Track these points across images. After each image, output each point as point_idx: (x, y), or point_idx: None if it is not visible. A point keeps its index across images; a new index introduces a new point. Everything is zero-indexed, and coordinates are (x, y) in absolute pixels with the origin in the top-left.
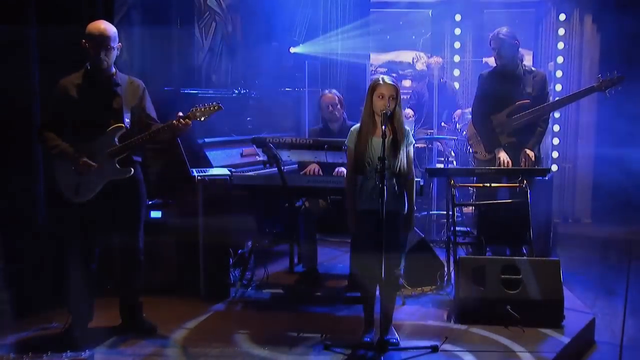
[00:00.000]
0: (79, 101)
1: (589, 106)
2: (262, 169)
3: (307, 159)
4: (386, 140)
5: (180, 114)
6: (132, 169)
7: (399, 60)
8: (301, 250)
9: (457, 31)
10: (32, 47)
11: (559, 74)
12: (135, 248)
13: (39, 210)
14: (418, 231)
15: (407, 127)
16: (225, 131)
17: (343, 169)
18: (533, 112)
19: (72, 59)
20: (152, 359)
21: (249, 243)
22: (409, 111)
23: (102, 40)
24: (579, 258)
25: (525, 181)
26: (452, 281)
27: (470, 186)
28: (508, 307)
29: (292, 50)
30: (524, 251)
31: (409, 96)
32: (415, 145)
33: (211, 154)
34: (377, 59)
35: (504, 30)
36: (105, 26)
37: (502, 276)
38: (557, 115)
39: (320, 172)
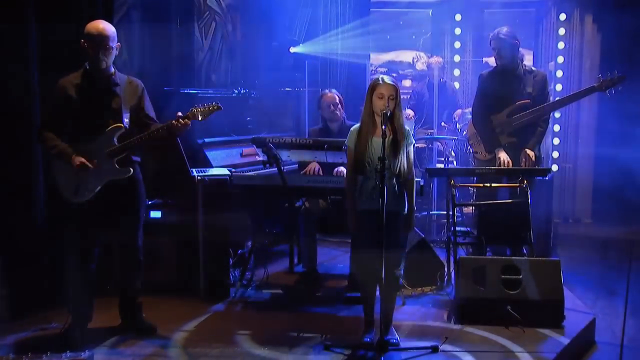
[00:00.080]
0: (78, 101)
1: (589, 106)
2: (262, 169)
3: (307, 159)
4: (386, 140)
5: (180, 113)
6: (131, 169)
7: (399, 60)
8: (301, 250)
9: (458, 31)
10: (31, 46)
11: (559, 73)
12: (134, 248)
13: (39, 210)
14: (418, 231)
15: (407, 127)
16: (225, 131)
17: (343, 169)
18: (533, 112)
19: (72, 58)
20: (152, 359)
21: (249, 243)
22: (409, 112)
23: (101, 40)
24: (579, 258)
25: (525, 181)
26: (453, 281)
27: (471, 186)
28: (508, 307)
29: (292, 50)
30: (524, 251)
31: (409, 96)
32: (416, 145)
33: (211, 154)
34: (377, 58)
35: (504, 30)
36: (104, 26)
37: (503, 276)
38: (557, 115)
39: (321, 172)
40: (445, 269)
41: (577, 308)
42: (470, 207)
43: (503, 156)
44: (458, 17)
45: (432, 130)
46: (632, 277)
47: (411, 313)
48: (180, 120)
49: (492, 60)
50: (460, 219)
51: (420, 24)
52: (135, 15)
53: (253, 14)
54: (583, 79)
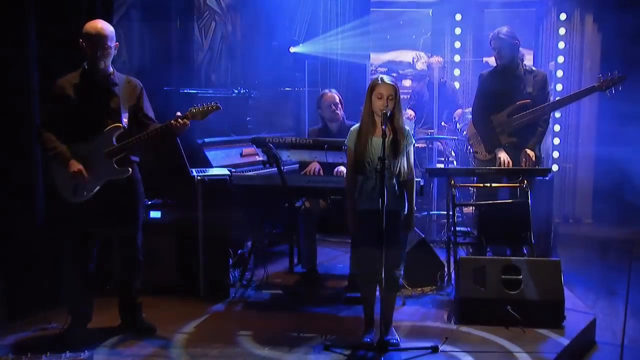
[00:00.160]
0: (76, 101)
1: (589, 106)
2: (262, 169)
3: (307, 159)
4: (386, 140)
5: (179, 113)
6: (130, 169)
7: (399, 60)
8: (301, 250)
9: (458, 31)
10: (31, 46)
11: (559, 73)
12: (134, 248)
13: (39, 211)
14: (418, 231)
15: (407, 127)
16: (224, 131)
17: (343, 169)
18: (533, 112)
19: (72, 58)
20: (152, 359)
21: (249, 243)
22: (410, 112)
23: (99, 39)
24: (580, 258)
25: (525, 181)
26: (453, 281)
27: (471, 186)
28: (508, 307)
29: (292, 49)
30: (525, 251)
31: (408, 96)
32: (416, 145)
33: (211, 154)
34: (377, 58)
35: (504, 29)
36: (102, 25)
37: (503, 276)
38: (557, 115)
39: (322, 172)
40: (445, 269)
41: (577, 308)
42: (471, 207)
43: (503, 156)
44: (458, 16)
45: (432, 130)
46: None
47: (411, 313)
48: (179, 120)
49: (492, 60)
50: (461, 219)
51: (420, 24)
52: (135, 14)
53: (253, 14)
54: (583, 78)
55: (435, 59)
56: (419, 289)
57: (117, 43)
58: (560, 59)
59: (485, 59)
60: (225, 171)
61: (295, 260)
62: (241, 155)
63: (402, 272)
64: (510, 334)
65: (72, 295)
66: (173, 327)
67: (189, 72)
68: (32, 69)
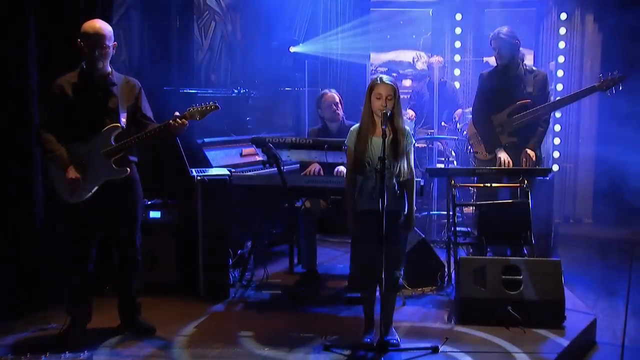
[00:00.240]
0: (74, 101)
1: (590, 106)
2: (261, 169)
3: (307, 159)
4: (386, 140)
5: (177, 113)
6: (128, 169)
7: (399, 59)
8: (301, 250)
9: (458, 30)
10: (30, 46)
11: (560, 73)
12: (132, 248)
13: (38, 211)
14: (418, 231)
15: (407, 127)
16: (224, 131)
17: (343, 169)
18: (534, 111)
19: (71, 58)
20: None
21: (249, 243)
22: (410, 112)
23: (97, 39)
24: (580, 258)
25: (526, 181)
26: (453, 282)
27: (471, 186)
28: (509, 307)
29: (292, 49)
30: (525, 251)
31: (408, 96)
32: (416, 145)
33: (210, 154)
34: (377, 58)
35: (504, 29)
36: (100, 25)
37: (503, 277)
38: (558, 115)
39: (322, 172)
40: (446, 269)
41: (577, 308)
42: (471, 207)
43: (503, 156)
44: (458, 16)
45: (433, 130)
46: (633, 277)
47: (411, 313)
48: (178, 120)
49: (492, 60)
50: (461, 219)
51: (420, 24)
52: (135, 14)
53: (253, 14)
54: (584, 78)
55: (436, 59)
56: (419, 289)
57: (115, 43)
58: (561, 59)
59: (485, 58)
60: (225, 171)
61: (295, 261)
62: (241, 155)
63: (402, 273)
64: (510, 334)
65: (70, 296)
66: (173, 327)
67: (189, 72)
68: (32, 69)
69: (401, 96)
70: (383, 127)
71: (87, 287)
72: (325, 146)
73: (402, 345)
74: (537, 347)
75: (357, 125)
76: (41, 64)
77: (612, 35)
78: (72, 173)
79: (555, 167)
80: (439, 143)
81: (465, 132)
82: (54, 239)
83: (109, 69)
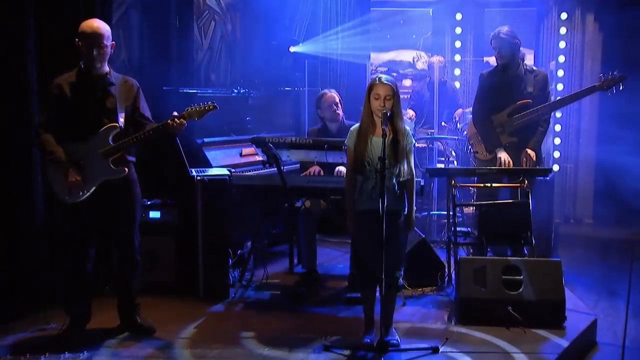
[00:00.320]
0: (72, 100)
1: (590, 106)
2: (261, 169)
3: (307, 159)
4: (386, 139)
5: (175, 113)
6: (126, 169)
7: (399, 59)
8: (301, 250)
9: (458, 30)
10: (30, 46)
11: (560, 73)
12: (131, 248)
13: (37, 211)
14: (418, 231)
15: (407, 127)
16: (224, 131)
17: (343, 169)
18: (534, 111)
19: (71, 58)
20: None
21: (249, 243)
22: (411, 112)
23: (95, 38)
24: (581, 259)
25: (526, 181)
26: (453, 282)
27: (471, 186)
28: (509, 308)
29: (292, 49)
30: (525, 252)
31: (408, 96)
32: (416, 145)
33: (210, 154)
34: (378, 58)
35: (504, 29)
36: (98, 24)
37: (503, 277)
38: (558, 114)
39: (322, 174)
40: (446, 270)
41: (578, 309)
42: (471, 207)
43: (504, 156)
44: (459, 16)
45: (433, 130)
46: (633, 277)
47: (411, 314)
48: (176, 119)
49: (492, 60)
50: (461, 219)
51: (420, 23)
52: (135, 14)
53: (252, 13)
54: (584, 78)
55: (437, 59)
56: (419, 289)
57: (113, 42)
58: (561, 59)
59: (485, 58)
60: (224, 171)
61: (295, 261)
62: (241, 155)
63: (402, 273)
64: (510, 334)
65: (69, 296)
66: (172, 327)
67: (189, 72)
68: (31, 69)
69: (401, 96)
70: (383, 127)
71: (86, 287)
72: (325, 146)
73: (402, 346)
74: (538, 348)
75: (357, 125)
76: (41, 64)
77: (612, 34)
78: (72, 175)
79: (555, 167)
80: (439, 143)
81: (465, 132)
82: (53, 239)
83: (107, 68)
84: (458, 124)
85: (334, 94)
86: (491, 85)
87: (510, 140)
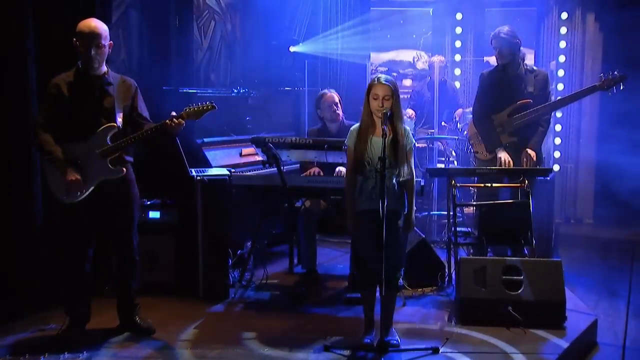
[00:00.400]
0: (70, 100)
1: (591, 106)
2: (261, 169)
3: (307, 159)
4: (386, 139)
5: (174, 113)
6: (124, 169)
7: (400, 59)
8: (301, 250)
9: (458, 30)
10: (29, 45)
11: (560, 73)
12: (130, 248)
13: (37, 211)
14: (419, 231)
15: (407, 127)
16: (224, 131)
17: (343, 169)
18: (534, 111)
19: (70, 57)
20: None
21: (248, 243)
22: (410, 111)
23: (93, 38)
24: (581, 259)
25: (526, 181)
26: (453, 282)
27: (471, 186)
28: (509, 308)
29: (292, 49)
30: (526, 252)
31: (408, 96)
32: (416, 145)
33: (210, 154)
34: (378, 58)
35: (505, 29)
36: (95, 24)
37: (504, 277)
38: (558, 114)
39: (321, 174)
40: (446, 270)
41: (578, 309)
42: (471, 208)
43: (504, 156)
44: (459, 15)
45: (433, 130)
46: (634, 278)
47: (411, 314)
48: (174, 119)
49: (493, 60)
50: (461, 219)
51: (420, 23)
52: (134, 14)
53: (252, 13)
54: (585, 78)
55: (438, 58)
56: (419, 289)
57: (111, 42)
58: (562, 58)
59: (486, 58)
60: (224, 171)
61: (295, 261)
62: (241, 155)
63: (402, 273)
64: (511, 335)
65: (68, 296)
66: (172, 328)
67: (188, 72)
68: (31, 69)
69: (401, 96)
70: (383, 127)
71: (85, 288)
72: (325, 146)
73: (403, 346)
74: (538, 348)
75: (357, 125)
76: (40, 64)
77: (613, 34)
78: (71, 175)
79: (556, 167)
80: (439, 143)
81: (465, 132)
82: (53, 239)
83: (105, 68)
84: (458, 123)
85: (333, 94)
86: (491, 85)
87: (511, 140)
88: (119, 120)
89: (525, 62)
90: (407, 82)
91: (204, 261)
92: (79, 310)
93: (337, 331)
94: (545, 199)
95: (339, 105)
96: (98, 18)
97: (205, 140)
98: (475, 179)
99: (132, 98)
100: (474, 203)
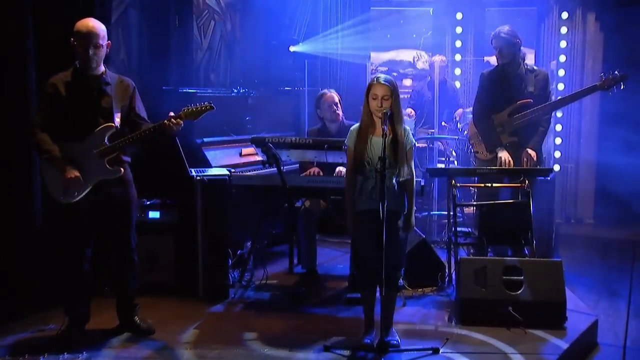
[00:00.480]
0: (68, 100)
1: (591, 105)
2: (261, 169)
3: (307, 159)
4: (386, 139)
5: (172, 113)
6: (122, 169)
7: (400, 59)
8: (301, 250)
9: (459, 29)
10: (29, 45)
11: (561, 72)
12: (128, 249)
13: (37, 211)
14: (419, 231)
15: (407, 127)
16: (224, 131)
17: (343, 169)
18: (535, 111)
19: (70, 57)
20: None
21: (248, 243)
22: (410, 110)
23: (91, 38)
24: (582, 259)
25: (527, 181)
26: (453, 282)
27: (472, 186)
28: (510, 308)
29: (292, 49)
30: (526, 252)
31: (408, 95)
32: (416, 144)
33: (210, 154)
34: (378, 57)
35: (505, 29)
36: (93, 24)
37: (504, 277)
38: (559, 114)
39: (321, 174)
40: (446, 270)
41: (579, 309)
42: (471, 208)
43: (504, 155)
44: (459, 15)
45: (433, 130)
46: (635, 278)
47: (412, 314)
48: (172, 120)
49: (493, 59)
50: (461, 219)
51: (420, 23)
52: (134, 13)
53: (252, 13)
54: (585, 77)
55: (438, 58)
56: (419, 289)
57: (109, 42)
58: (562, 58)
59: (486, 58)
60: (224, 171)
61: (295, 261)
62: (240, 155)
63: (402, 273)
64: (511, 335)
65: (67, 296)
66: (172, 328)
67: (188, 72)
68: (30, 69)
69: (401, 96)
70: (383, 127)
71: (84, 288)
72: (325, 146)
73: (403, 346)
74: (538, 348)
75: (357, 125)
76: (40, 64)
77: (613, 34)
78: (70, 172)
79: (556, 167)
80: (439, 143)
81: (465, 132)
82: (52, 239)
83: (103, 68)
84: (458, 123)
85: (333, 94)
86: (492, 85)
87: (511, 140)
88: (117, 120)
89: (526, 61)
90: (407, 82)
91: (203, 261)
92: (78, 310)
93: (337, 331)
94: (545, 199)
95: (338, 105)
96: (97, 18)
97: (205, 140)
98: (476, 179)
99: (129, 98)
100: (474, 203)
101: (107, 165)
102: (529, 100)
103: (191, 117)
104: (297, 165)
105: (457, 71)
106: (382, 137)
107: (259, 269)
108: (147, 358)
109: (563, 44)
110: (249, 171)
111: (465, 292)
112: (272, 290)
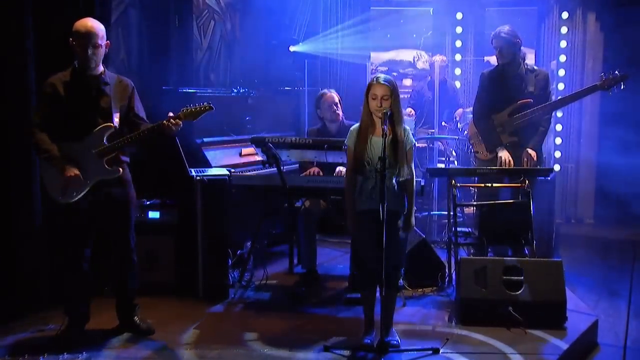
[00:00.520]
0: (66, 100)
1: (591, 105)
2: (261, 169)
3: (307, 159)
4: (386, 139)
5: (171, 114)
6: (121, 169)
7: (400, 59)
8: (301, 250)
9: (459, 29)
10: (29, 45)
11: (561, 72)
12: (127, 249)
13: (37, 211)
14: (419, 231)
15: (407, 127)
16: (224, 131)
17: (343, 169)
18: (535, 111)
19: (70, 57)
20: None
21: (248, 243)
22: (409, 110)
23: (90, 38)
24: (582, 259)
25: (527, 181)
26: (454, 282)
27: (472, 186)
28: (510, 308)
29: (292, 48)
30: (526, 252)
31: (408, 95)
32: (416, 144)
33: (210, 154)
34: (378, 57)
35: (505, 28)
36: (92, 24)
37: (504, 277)
38: (559, 114)
39: (321, 174)
40: (446, 270)
41: (579, 309)
42: (472, 208)
43: (504, 155)
44: (459, 15)
45: (433, 130)
46: (635, 278)
47: (412, 314)
48: (171, 120)
49: (493, 59)
50: (461, 219)
51: (420, 22)
52: (134, 13)
53: (252, 13)
54: (585, 77)
55: (439, 58)
56: (419, 289)
57: (108, 42)
58: (562, 58)
59: (486, 58)
60: (224, 171)
61: (295, 261)
62: (240, 155)
63: (402, 273)
64: (511, 335)
65: (67, 296)
66: (172, 328)
67: (188, 71)
68: (30, 69)
69: (401, 96)
70: (383, 127)
71: (83, 288)
72: (325, 146)
73: (403, 347)
74: (538, 349)
75: (357, 125)
76: (40, 64)
77: (614, 34)
78: (70, 171)
79: (556, 167)
80: (439, 143)
81: (466, 132)
82: (52, 239)
83: (102, 68)
84: (458, 123)
85: (333, 94)
86: (492, 85)
87: (511, 140)
88: (116, 120)
89: (526, 61)
90: (407, 82)
91: (203, 261)
92: (78, 310)
93: (337, 331)
94: (545, 199)
95: (338, 105)
96: (97, 17)
97: (205, 140)
98: (476, 179)
99: (128, 98)
100: (474, 203)
101: (106, 165)
102: (529, 100)
103: (190, 118)
104: (297, 165)
105: (457, 71)
106: (382, 137)
107: (259, 269)
108: (147, 358)
109: (563, 43)
110: (249, 171)
111: (465, 292)
112: (272, 290)
